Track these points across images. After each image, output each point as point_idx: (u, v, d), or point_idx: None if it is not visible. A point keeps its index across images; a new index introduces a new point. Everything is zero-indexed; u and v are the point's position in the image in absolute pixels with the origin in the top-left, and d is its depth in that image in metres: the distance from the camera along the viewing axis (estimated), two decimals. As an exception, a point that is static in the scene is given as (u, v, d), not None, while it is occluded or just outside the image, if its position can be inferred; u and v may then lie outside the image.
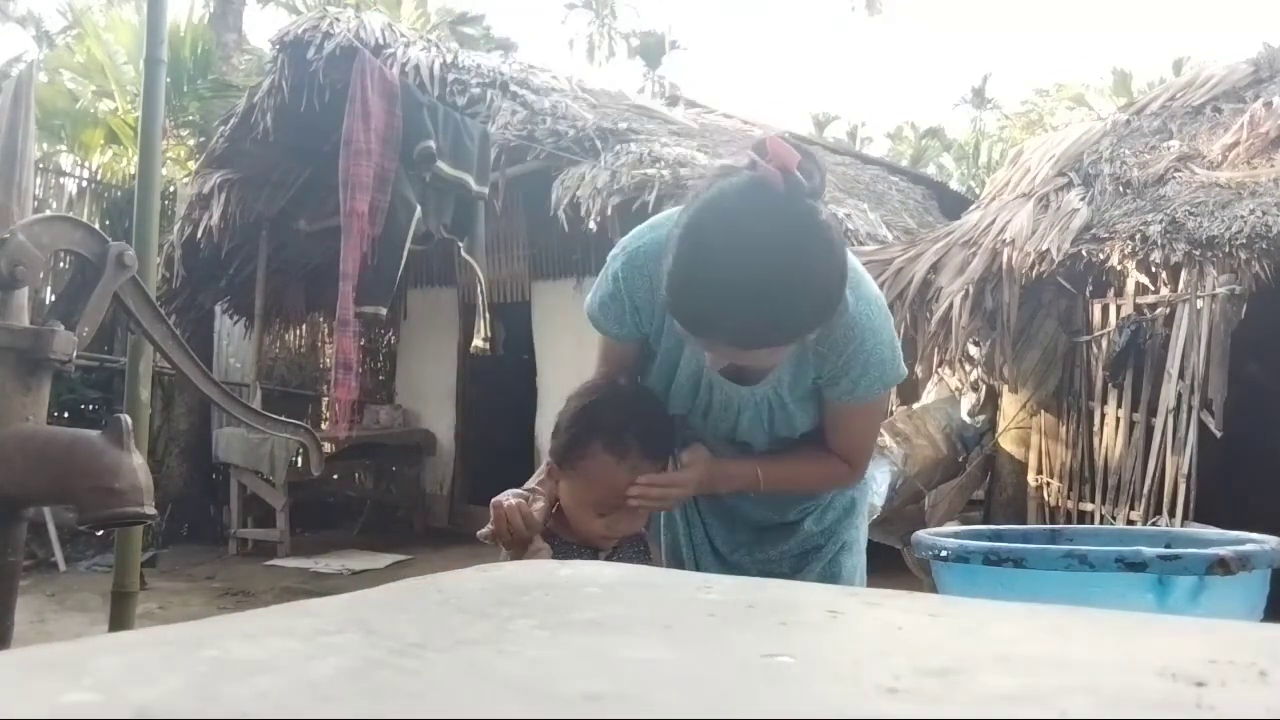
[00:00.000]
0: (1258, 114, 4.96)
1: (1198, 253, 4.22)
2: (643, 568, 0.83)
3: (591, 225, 5.36)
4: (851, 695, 0.42)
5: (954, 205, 7.86)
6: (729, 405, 1.46)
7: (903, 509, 4.66)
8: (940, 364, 5.04)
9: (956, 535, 1.75)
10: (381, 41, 5.92)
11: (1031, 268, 4.54)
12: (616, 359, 1.54)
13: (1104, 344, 4.53)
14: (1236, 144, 4.88)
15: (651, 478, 1.39)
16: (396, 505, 7.96)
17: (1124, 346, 4.38)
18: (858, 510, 1.65)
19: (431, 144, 4.85)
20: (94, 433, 1.36)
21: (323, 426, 8.39)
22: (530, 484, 1.51)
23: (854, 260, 1.32)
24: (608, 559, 1.44)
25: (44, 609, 5.00)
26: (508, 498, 1.42)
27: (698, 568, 1.58)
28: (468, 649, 0.49)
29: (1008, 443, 4.94)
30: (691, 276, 1.17)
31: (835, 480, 1.53)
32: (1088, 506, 4.56)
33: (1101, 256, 4.46)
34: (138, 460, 1.34)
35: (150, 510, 1.34)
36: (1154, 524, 4.10)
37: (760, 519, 1.58)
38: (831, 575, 1.59)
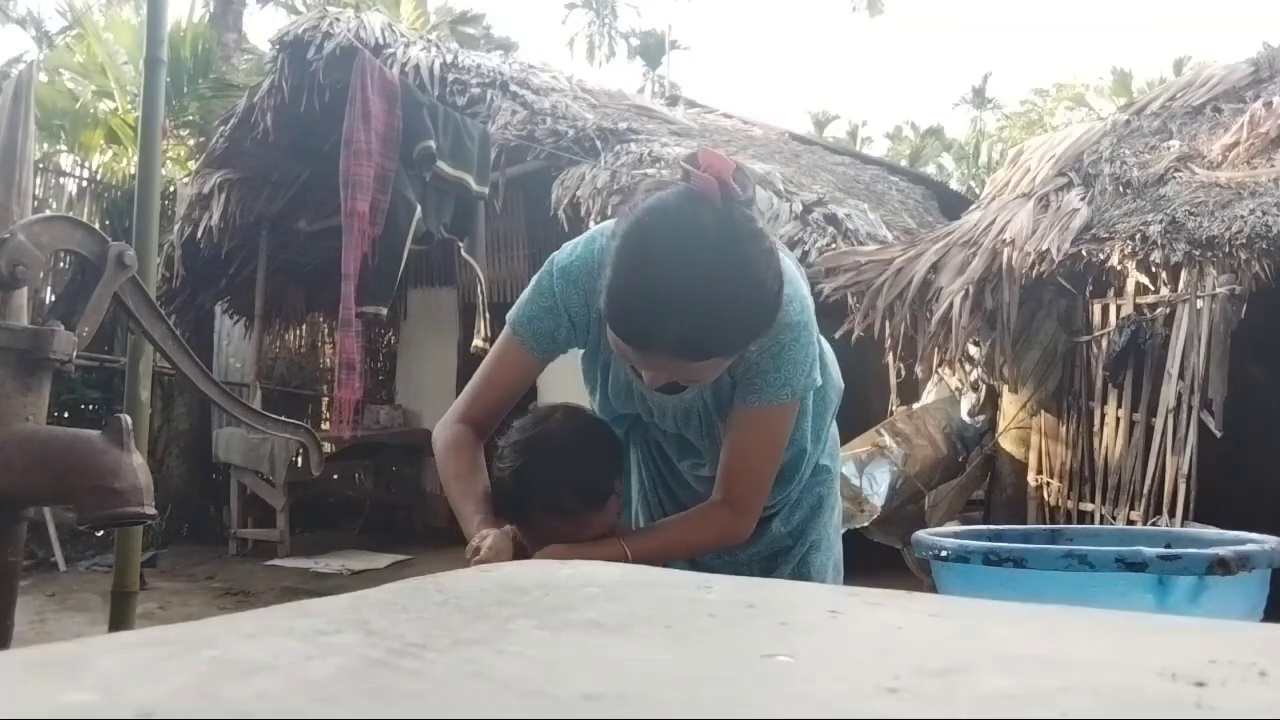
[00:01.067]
0: (1258, 114, 4.96)
1: (1198, 253, 4.22)
2: (643, 568, 0.83)
3: (591, 225, 5.36)
4: (851, 695, 0.42)
5: (954, 205, 7.86)
6: (665, 410, 1.45)
7: (903, 509, 4.65)
8: (940, 364, 5.04)
9: (956, 535, 1.75)
10: (381, 41, 5.92)
11: (1031, 268, 4.54)
12: (514, 377, 1.49)
13: (1104, 344, 4.53)
14: (1236, 144, 4.88)
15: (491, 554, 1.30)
16: (396, 505, 7.96)
17: (1124, 346, 4.38)
18: (826, 507, 1.62)
19: (431, 144, 4.85)
20: (94, 433, 1.36)
21: (323, 426, 8.40)
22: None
23: (789, 262, 1.33)
24: None
25: (44, 609, 5.00)
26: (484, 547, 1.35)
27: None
28: (468, 649, 0.49)
29: (1008, 443, 4.94)
30: (631, 287, 1.15)
31: (719, 533, 1.43)
32: (1088, 506, 4.56)
33: (1101, 256, 4.46)
34: (138, 460, 1.34)
35: (150, 510, 1.34)
36: (1154, 524, 4.10)
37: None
38: (801, 575, 1.57)
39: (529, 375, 1.49)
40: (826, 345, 1.51)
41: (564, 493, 1.36)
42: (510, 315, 1.46)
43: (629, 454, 1.62)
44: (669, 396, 1.41)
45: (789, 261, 1.35)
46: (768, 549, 1.57)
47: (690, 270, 1.12)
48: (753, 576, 1.40)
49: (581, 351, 1.53)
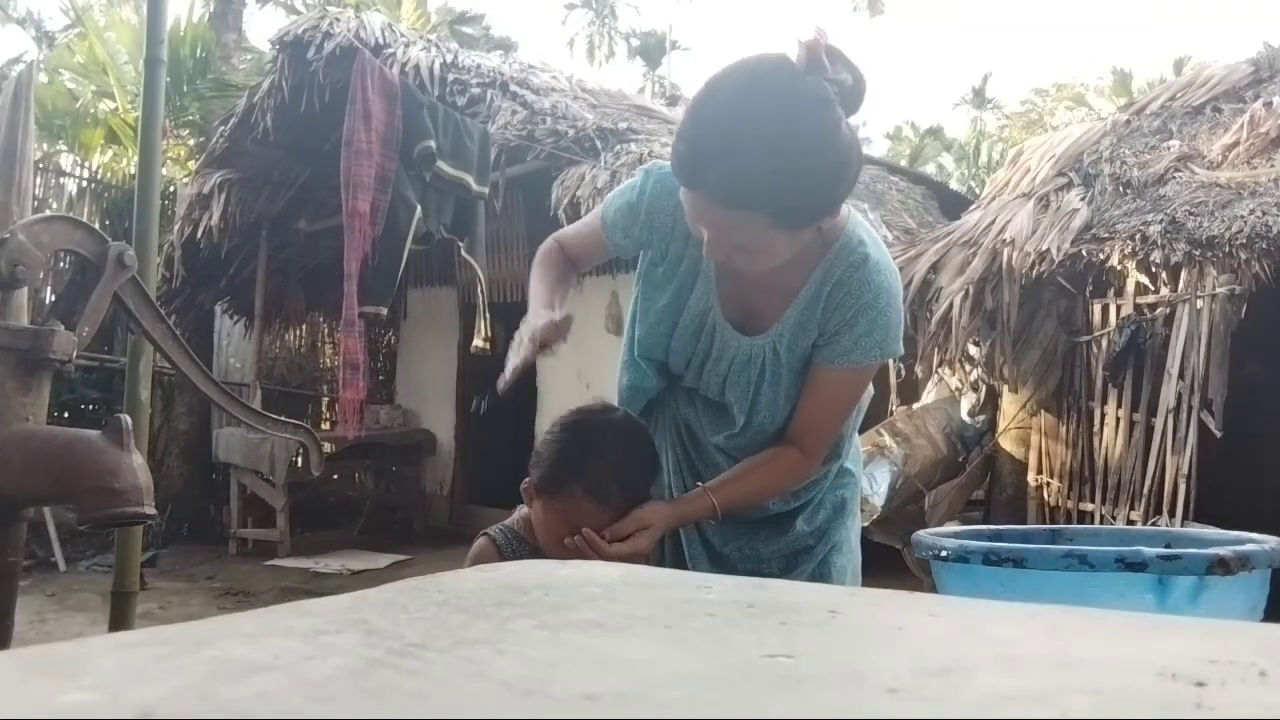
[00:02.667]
0: (1258, 114, 4.96)
1: (1198, 253, 4.22)
2: (642, 568, 0.83)
3: (591, 225, 5.36)
4: (851, 695, 0.42)
5: (954, 205, 7.85)
6: (724, 356, 1.46)
7: (903, 509, 4.65)
8: (940, 364, 5.04)
9: (956, 535, 1.75)
10: (381, 41, 5.92)
11: (1031, 268, 4.54)
12: (586, 245, 1.58)
13: (1104, 344, 4.53)
14: (1236, 144, 4.88)
15: (600, 542, 1.36)
16: (396, 505, 7.96)
17: (1124, 346, 4.38)
18: (849, 510, 1.63)
19: (432, 144, 4.85)
20: (94, 433, 1.36)
21: (323, 426, 8.40)
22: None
23: (878, 237, 1.41)
24: None
25: (44, 609, 5.00)
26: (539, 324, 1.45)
27: (688, 557, 1.57)
28: (468, 649, 0.49)
29: (1008, 443, 4.94)
30: (692, 118, 1.21)
31: (791, 474, 1.48)
32: (1088, 506, 4.56)
33: (1101, 256, 4.46)
34: (138, 460, 1.34)
35: (150, 510, 1.34)
36: (1154, 524, 4.10)
37: (752, 513, 1.55)
38: (821, 576, 1.58)
39: (603, 253, 1.58)
40: (898, 276, 1.51)
41: (611, 480, 1.38)
42: (604, 201, 1.55)
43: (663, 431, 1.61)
44: (742, 338, 1.43)
45: (877, 238, 1.41)
46: (789, 547, 1.58)
47: (746, 115, 1.16)
48: (772, 576, 1.45)
49: (641, 283, 1.55)
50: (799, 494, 1.55)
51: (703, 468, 1.57)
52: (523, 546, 1.48)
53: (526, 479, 1.48)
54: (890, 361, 5.09)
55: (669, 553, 1.59)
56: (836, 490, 1.60)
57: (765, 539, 1.56)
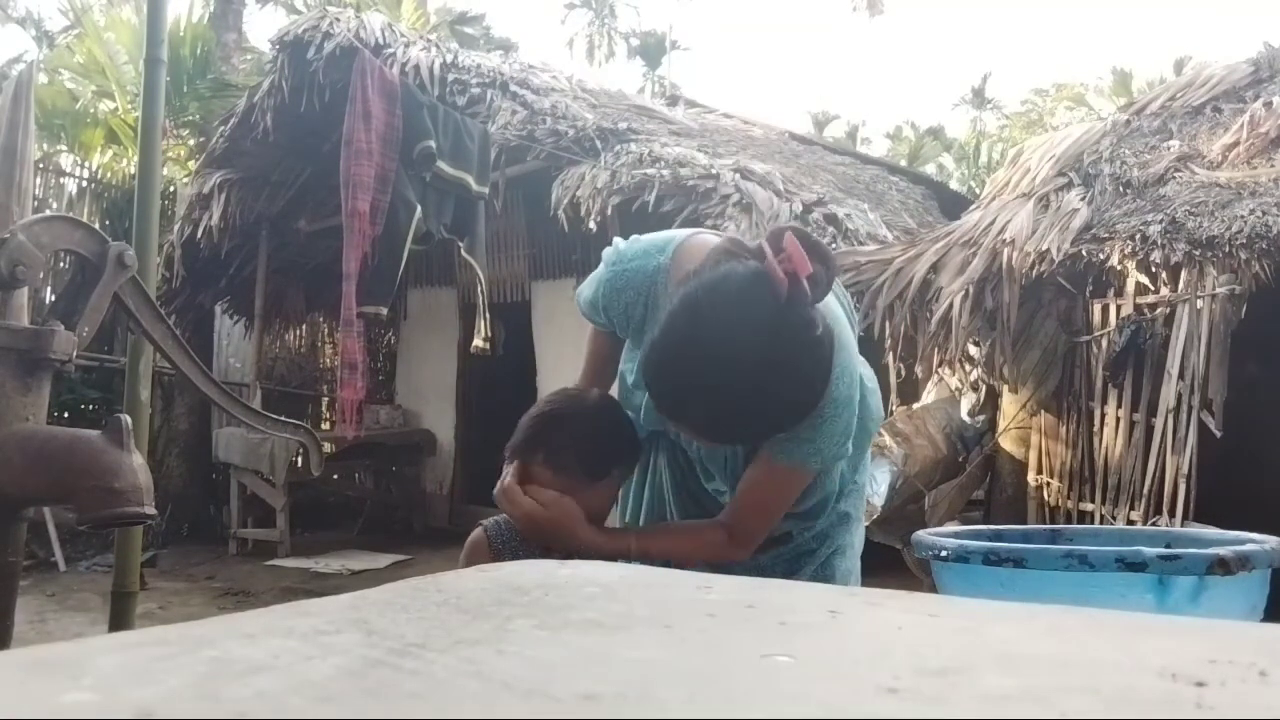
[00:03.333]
0: (1258, 114, 4.96)
1: (1198, 253, 4.22)
2: (642, 568, 0.83)
3: (591, 225, 5.37)
4: (851, 695, 0.42)
5: (954, 205, 7.85)
6: (690, 442, 1.50)
7: (903, 509, 4.65)
8: (940, 364, 5.04)
9: (956, 535, 1.75)
10: (381, 41, 5.92)
11: (1031, 268, 4.54)
12: (602, 347, 1.62)
13: (1104, 344, 4.53)
14: (1236, 144, 4.88)
15: (515, 490, 1.42)
16: (396, 505, 7.96)
17: (1124, 346, 4.38)
18: (853, 519, 1.63)
19: (431, 144, 4.85)
20: (94, 433, 1.36)
21: (323, 426, 8.40)
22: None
23: (845, 329, 1.34)
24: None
25: (44, 609, 5.00)
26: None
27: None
28: (468, 649, 0.49)
29: (1008, 443, 4.94)
30: (669, 363, 1.18)
31: (713, 553, 1.43)
32: (1088, 506, 4.56)
33: (1101, 256, 4.46)
34: (138, 460, 1.34)
35: (150, 510, 1.34)
36: (1154, 524, 4.10)
37: None
38: (824, 577, 1.57)
39: (615, 340, 1.58)
40: (870, 374, 1.46)
41: (569, 451, 1.44)
42: (578, 290, 1.57)
43: (656, 456, 1.62)
44: None
45: (845, 329, 1.35)
46: (791, 551, 1.57)
47: (729, 365, 1.13)
48: (774, 577, 1.41)
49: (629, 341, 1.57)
50: (805, 526, 1.53)
51: (701, 493, 1.58)
52: (513, 536, 1.50)
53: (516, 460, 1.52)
54: (890, 361, 5.11)
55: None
56: (839, 505, 1.58)
57: (764, 547, 1.53)
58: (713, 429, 1.21)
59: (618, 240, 1.51)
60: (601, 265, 1.50)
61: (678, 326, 1.16)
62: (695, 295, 1.17)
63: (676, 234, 1.44)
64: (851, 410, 1.33)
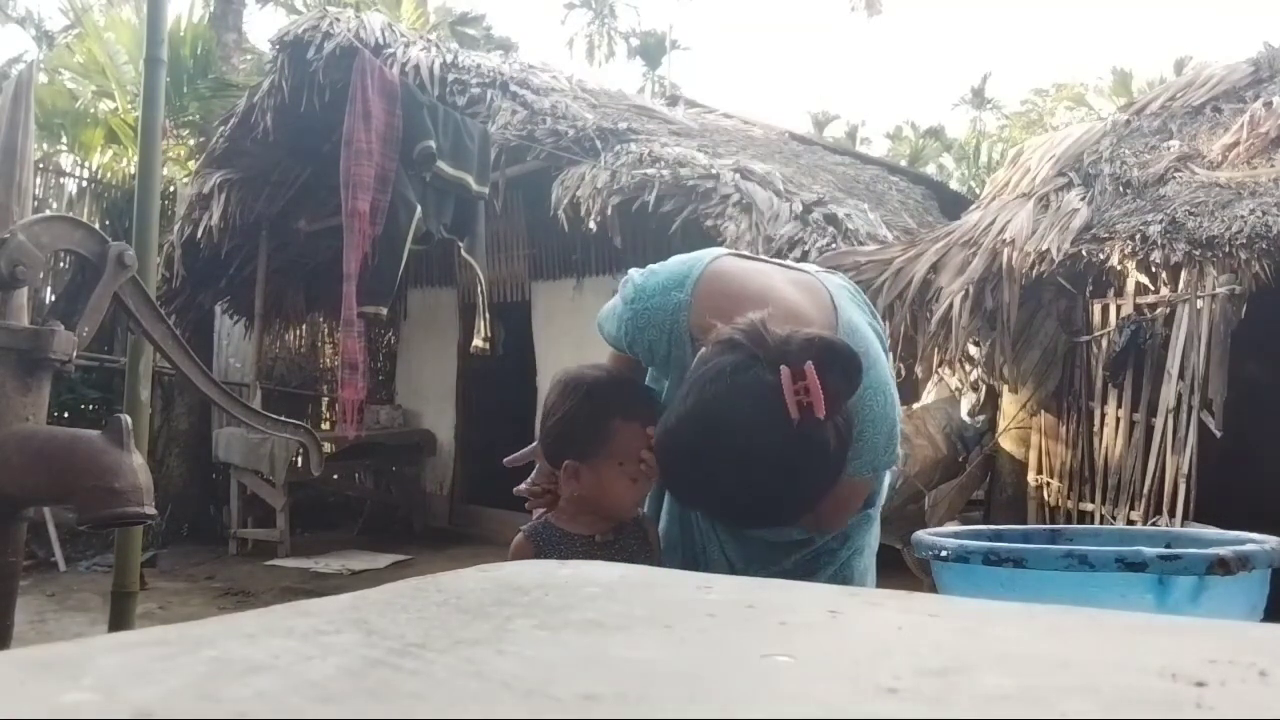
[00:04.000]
0: (1258, 114, 4.96)
1: (1198, 253, 4.22)
2: (642, 568, 0.83)
3: (591, 225, 5.37)
4: (851, 695, 0.42)
5: (954, 205, 7.85)
6: None
7: (903, 509, 4.65)
8: (940, 364, 5.04)
9: (956, 535, 1.75)
10: (381, 41, 5.92)
11: (1031, 268, 4.54)
12: (624, 361, 1.58)
13: (1104, 344, 4.53)
14: (1236, 144, 4.88)
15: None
16: (396, 505, 7.96)
17: (1124, 346, 4.38)
18: (873, 520, 1.66)
19: (432, 144, 4.85)
20: (94, 433, 1.36)
21: (323, 426, 8.40)
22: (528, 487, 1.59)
23: (875, 345, 1.36)
24: (610, 545, 1.47)
25: (44, 609, 5.00)
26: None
27: (705, 566, 1.57)
28: (468, 649, 0.49)
29: (1008, 443, 4.94)
30: (685, 468, 1.22)
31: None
32: (1088, 506, 4.56)
33: (1101, 256, 4.46)
34: (138, 460, 1.34)
35: (150, 510, 1.34)
36: (1154, 524, 4.10)
37: (773, 537, 1.55)
38: (843, 578, 1.58)
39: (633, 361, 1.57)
40: (893, 386, 1.46)
41: (635, 397, 1.46)
42: (599, 315, 1.54)
43: None
44: None
45: (873, 341, 1.38)
46: (812, 553, 1.58)
47: (738, 475, 1.15)
48: (796, 580, 1.43)
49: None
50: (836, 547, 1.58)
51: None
52: (559, 535, 1.48)
53: (568, 464, 1.47)
54: (890, 361, 5.10)
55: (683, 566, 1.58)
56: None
57: (787, 551, 1.56)
58: (725, 519, 1.36)
59: (634, 274, 1.46)
60: (619, 300, 1.46)
61: (689, 435, 1.17)
62: (708, 406, 1.16)
63: (693, 266, 1.39)
64: (891, 423, 1.36)
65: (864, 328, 1.38)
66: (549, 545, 1.47)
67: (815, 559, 1.57)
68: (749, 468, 1.14)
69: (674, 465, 1.23)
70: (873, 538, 1.67)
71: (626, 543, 1.50)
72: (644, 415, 1.41)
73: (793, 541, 1.56)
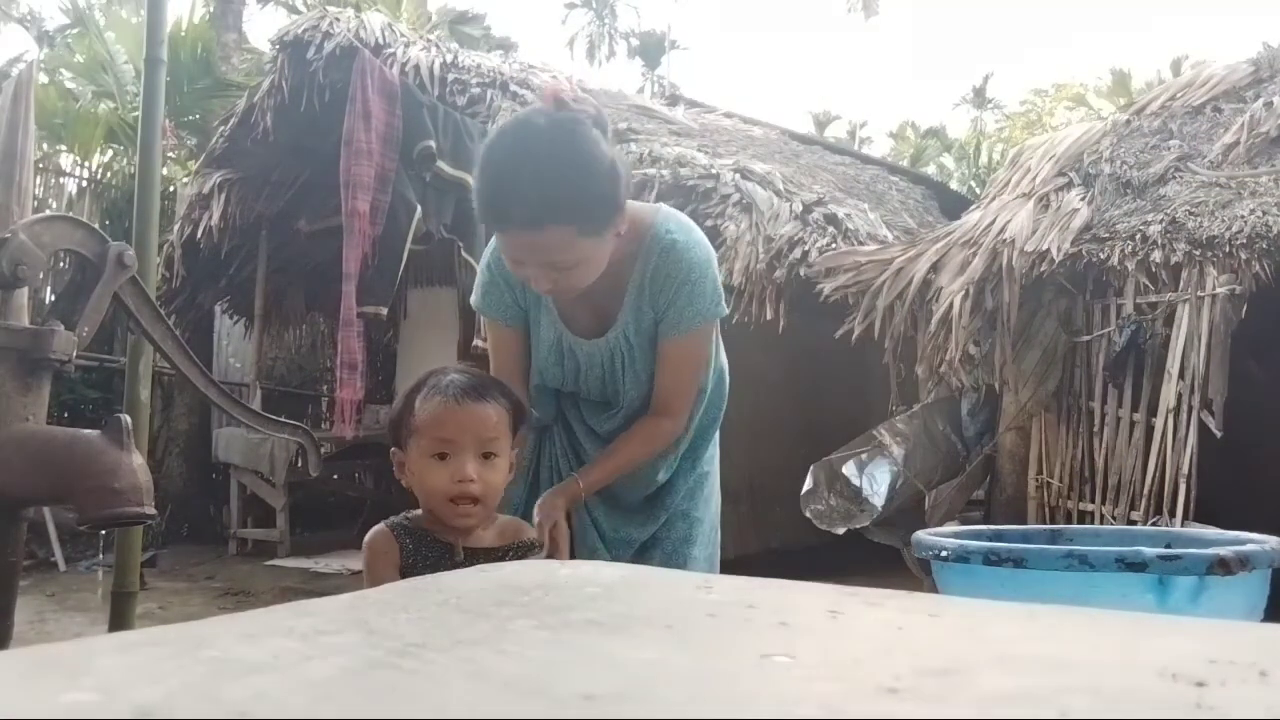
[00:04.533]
0: (1258, 114, 4.96)
1: (1198, 253, 4.22)
2: (643, 568, 0.83)
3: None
4: (851, 695, 0.42)
5: (954, 205, 7.85)
6: (590, 363, 1.69)
7: (903, 509, 4.65)
8: (940, 364, 5.04)
9: (956, 535, 1.75)
10: (381, 41, 5.91)
11: (1031, 268, 4.54)
12: (508, 350, 1.74)
13: (1104, 344, 4.53)
14: (1236, 144, 4.88)
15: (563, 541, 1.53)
16: (396, 505, 7.92)
17: (1124, 346, 4.38)
18: (705, 490, 1.81)
19: (432, 144, 4.85)
20: (94, 433, 1.36)
21: (323, 426, 8.39)
22: None
23: (681, 214, 1.67)
24: (459, 566, 1.38)
25: (44, 609, 5.00)
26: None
27: (584, 544, 1.71)
28: (468, 649, 0.49)
29: (1008, 443, 4.94)
30: (482, 170, 1.46)
31: (658, 436, 1.66)
32: (1088, 506, 4.56)
33: (1101, 256, 4.46)
34: (138, 460, 1.34)
35: (150, 510, 1.34)
36: (1154, 524, 4.10)
37: (628, 498, 1.74)
38: (681, 549, 1.76)
39: (519, 339, 1.74)
40: (713, 258, 1.68)
41: (447, 377, 1.45)
42: (471, 301, 1.76)
43: (548, 448, 1.79)
44: (596, 342, 1.66)
45: (685, 222, 1.66)
46: (653, 527, 1.75)
47: (523, 149, 1.43)
48: (636, 558, 1.69)
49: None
50: (661, 470, 1.73)
51: (589, 446, 1.75)
52: (422, 535, 1.45)
53: (394, 452, 1.47)
54: (890, 361, 5.11)
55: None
56: (690, 471, 1.78)
57: (640, 524, 1.75)
58: (529, 212, 1.41)
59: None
60: (480, 265, 1.74)
61: (483, 151, 1.49)
62: (492, 132, 1.54)
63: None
64: (712, 271, 1.63)
65: (685, 219, 1.66)
66: (411, 543, 1.43)
67: (651, 541, 1.75)
68: (529, 150, 1.42)
69: (479, 181, 1.46)
70: (710, 513, 1.82)
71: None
72: (449, 392, 1.37)
73: (643, 500, 1.74)
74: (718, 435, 1.87)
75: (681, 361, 1.64)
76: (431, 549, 1.42)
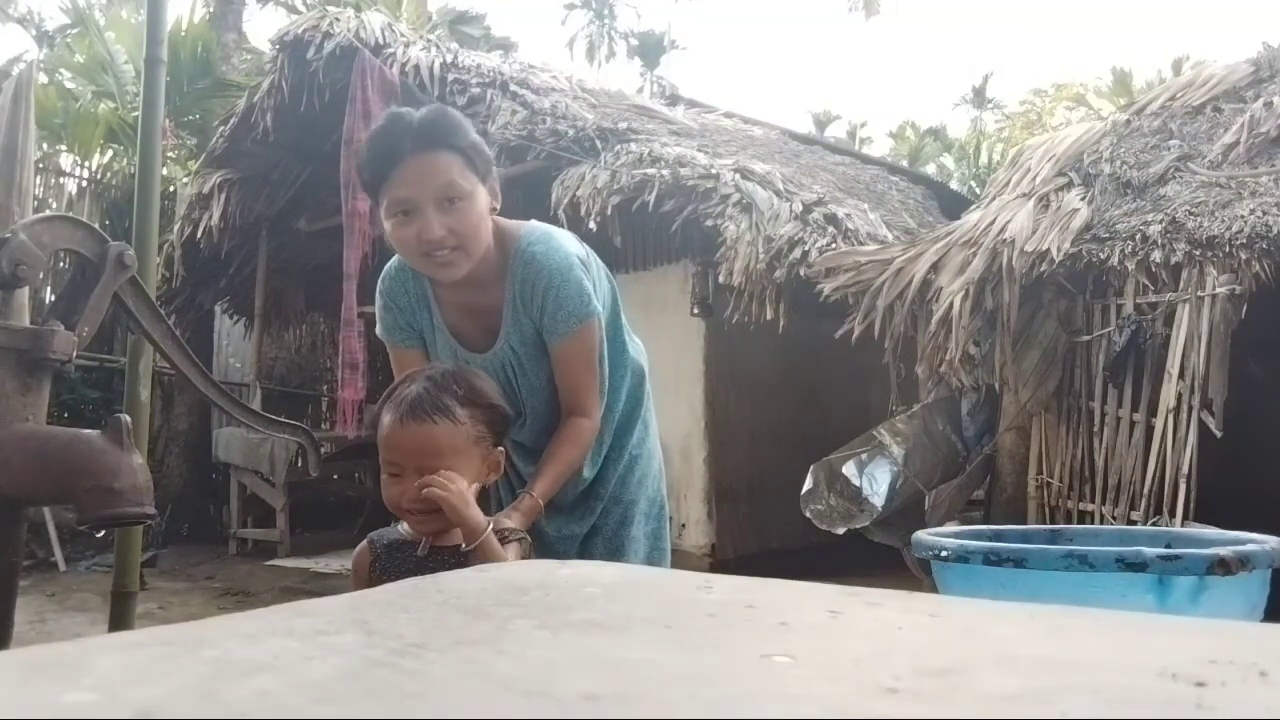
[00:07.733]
0: (1258, 114, 4.96)
1: (1198, 253, 4.22)
2: (642, 568, 0.83)
3: (591, 225, 5.36)
4: (851, 695, 0.42)
5: (954, 205, 7.85)
6: (485, 375, 1.70)
7: (903, 509, 4.65)
8: (940, 364, 5.04)
9: (956, 535, 1.75)
10: (381, 41, 5.91)
11: (1031, 268, 4.54)
12: (409, 365, 1.77)
13: (1104, 344, 4.53)
14: (1236, 144, 4.88)
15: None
16: (396, 505, 7.94)
17: (1124, 346, 4.38)
18: (637, 473, 1.86)
19: (431, 144, 4.84)
20: (94, 433, 1.36)
21: (323, 426, 8.39)
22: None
23: (547, 226, 1.76)
24: (422, 561, 1.44)
25: (44, 609, 5.00)
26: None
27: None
28: (468, 649, 0.49)
29: (1008, 443, 4.94)
30: (369, 139, 1.63)
31: (582, 436, 1.71)
32: (1088, 506, 4.56)
33: (1101, 256, 4.46)
34: (138, 460, 1.34)
35: (150, 510, 1.34)
36: (1154, 524, 4.10)
37: (564, 497, 1.77)
38: (618, 548, 1.81)
39: (413, 357, 1.80)
40: (578, 266, 1.72)
41: (422, 386, 1.47)
42: (377, 332, 1.84)
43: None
44: (486, 355, 1.72)
45: (548, 231, 1.73)
46: (590, 520, 1.81)
47: (405, 111, 1.59)
48: (580, 551, 1.76)
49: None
50: (586, 466, 1.78)
51: (525, 473, 1.78)
52: (395, 540, 1.47)
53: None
54: (890, 361, 5.11)
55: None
56: (618, 460, 1.83)
57: (579, 519, 1.81)
58: (422, 133, 1.54)
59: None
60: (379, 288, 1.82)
61: (372, 131, 1.67)
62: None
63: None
64: (576, 273, 1.67)
65: (548, 228, 1.75)
66: (384, 549, 1.47)
67: (592, 531, 1.81)
68: (409, 111, 1.59)
69: (366, 150, 1.60)
70: (641, 498, 1.86)
71: (440, 566, 1.41)
72: (399, 410, 1.40)
73: (577, 496, 1.80)
74: (651, 420, 1.94)
75: (575, 363, 1.70)
76: (399, 550, 1.47)
